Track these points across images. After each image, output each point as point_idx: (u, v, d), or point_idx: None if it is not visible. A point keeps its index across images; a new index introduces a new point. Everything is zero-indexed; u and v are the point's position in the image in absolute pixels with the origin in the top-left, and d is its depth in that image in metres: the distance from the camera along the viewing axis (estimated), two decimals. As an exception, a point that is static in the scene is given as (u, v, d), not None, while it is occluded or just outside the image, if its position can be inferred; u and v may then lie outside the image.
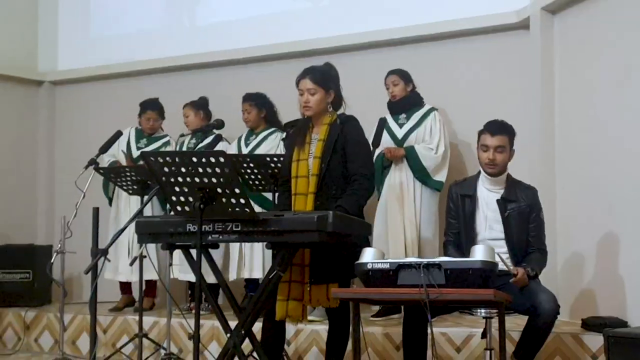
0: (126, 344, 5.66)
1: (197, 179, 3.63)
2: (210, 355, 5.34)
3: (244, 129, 6.41)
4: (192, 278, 6.05)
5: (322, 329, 5.26)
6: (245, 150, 6.20)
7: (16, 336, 6.65)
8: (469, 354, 4.82)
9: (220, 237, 3.82)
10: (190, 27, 7.65)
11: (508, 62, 6.14)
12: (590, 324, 4.69)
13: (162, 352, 5.44)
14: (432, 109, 5.89)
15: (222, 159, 3.56)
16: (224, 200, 3.66)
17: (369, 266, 3.55)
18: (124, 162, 6.58)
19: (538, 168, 5.54)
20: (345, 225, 3.79)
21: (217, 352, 5.08)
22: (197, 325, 3.61)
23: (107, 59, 7.85)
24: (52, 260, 5.58)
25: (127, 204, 6.55)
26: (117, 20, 7.95)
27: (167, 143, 6.76)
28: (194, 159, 3.60)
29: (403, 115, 5.90)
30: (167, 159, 3.66)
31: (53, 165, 8.26)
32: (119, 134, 6.15)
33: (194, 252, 4.04)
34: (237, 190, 3.62)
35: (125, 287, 6.75)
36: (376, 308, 5.67)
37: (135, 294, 6.66)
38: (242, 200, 3.64)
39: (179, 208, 3.80)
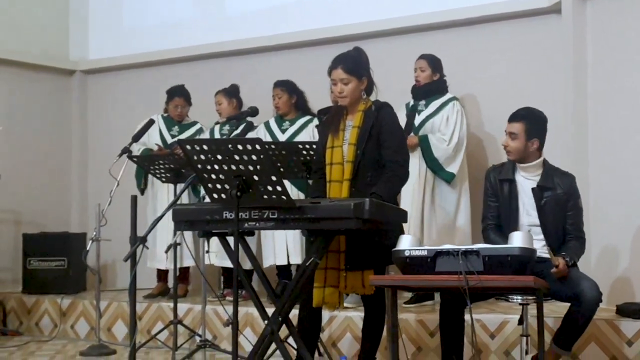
0: (161, 330, 5.69)
1: (233, 167, 3.63)
2: (247, 340, 5.38)
3: (270, 116, 6.43)
4: (228, 264, 6.18)
5: (356, 315, 5.28)
6: (281, 137, 6.23)
7: (52, 323, 6.74)
8: (503, 340, 4.81)
9: (257, 224, 3.82)
10: (219, 16, 7.65)
11: (539, 47, 6.10)
12: (625, 310, 4.67)
13: (197, 338, 5.48)
14: (452, 98, 5.86)
15: (258, 147, 3.57)
16: (260, 187, 3.66)
17: (407, 253, 3.56)
18: (155, 149, 6.62)
19: (571, 154, 5.51)
20: (382, 212, 3.78)
21: (252, 338, 5.17)
22: (236, 312, 3.61)
23: (138, 48, 7.91)
24: (87, 248, 5.65)
25: (161, 192, 6.59)
26: (147, 9, 8.01)
27: (201, 130, 6.80)
28: (231, 147, 3.60)
29: (422, 102, 5.89)
30: (204, 146, 3.67)
31: (86, 154, 8.34)
32: (151, 122, 6.20)
33: (230, 239, 4.11)
34: (273, 178, 3.62)
35: (161, 274, 6.80)
36: (409, 295, 5.68)
37: (170, 281, 6.73)
38: (279, 188, 3.65)
39: (215, 195, 3.81)
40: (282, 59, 7.21)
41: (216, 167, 3.69)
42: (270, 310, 4.00)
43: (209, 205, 3.95)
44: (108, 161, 7.40)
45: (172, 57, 7.76)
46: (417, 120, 5.84)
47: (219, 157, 3.65)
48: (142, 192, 6.75)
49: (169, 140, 6.68)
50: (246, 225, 3.84)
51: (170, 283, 6.70)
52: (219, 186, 3.76)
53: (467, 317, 3.92)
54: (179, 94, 6.78)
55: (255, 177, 3.64)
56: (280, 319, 3.95)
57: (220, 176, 3.71)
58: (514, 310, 4.89)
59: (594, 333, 4.54)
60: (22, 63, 7.88)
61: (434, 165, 5.74)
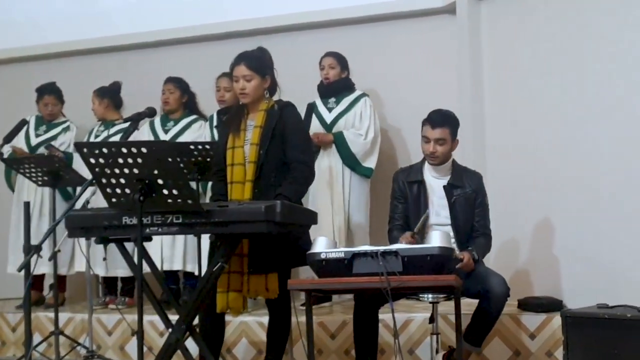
0: (41, 342, 5.34)
1: (136, 170, 3.43)
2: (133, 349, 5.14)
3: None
4: (121, 273, 5.98)
5: (252, 320, 5.15)
6: (164, 137, 5.96)
7: None
8: (407, 338, 4.79)
9: (160, 229, 3.66)
10: (93, 10, 7.27)
11: (436, 46, 6.13)
12: (527, 304, 4.74)
13: (83, 350, 5.18)
14: (363, 95, 5.83)
15: (164, 149, 3.37)
16: (165, 191, 3.47)
17: (323, 255, 3.46)
18: (26, 150, 6.24)
19: (469, 153, 5.56)
20: (293, 214, 3.68)
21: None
22: (141, 321, 3.38)
23: (6, 42, 7.43)
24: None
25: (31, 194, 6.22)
26: (14, 2, 7.55)
27: (67, 128, 6.46)
28: (134, 149, 3.40)
29: (332, 100, 5.82)
30: (103, 149, 3.45)
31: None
32: (23, 123, 5.93)
33: (129, 245, 3.92)
34: (180, 181, 3.44)
35: (34, 282, 6.39)
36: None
37: (44, 289, 6.37)
38: (185, 192, 3.47)
39: (114, 200, 3.59)
40: (164, 55, 6.97)
41: (116, 170, 3.48)
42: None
43: (106, 211, 3.72)
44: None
45: (42, 53, 7.36)
46: (329, 117, 5.77)
47: (120, 160, 3.43)
48: (13, 189, 6.37)
49: (33, 140, 6.33)
50: (148, 230, 3.64)
51: (44, 291, 6.37)
52: (118, 190, 3.56)
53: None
54: (48, 91, 6.42)
55: (160, 181, 3.45)
56: (184, 326, 3.78)
57: (121, 180, 3.51)
58: (416, 309, 4.90)
59: (498, 328, 4.57)
60: None
61: (351, 161, 5.66)
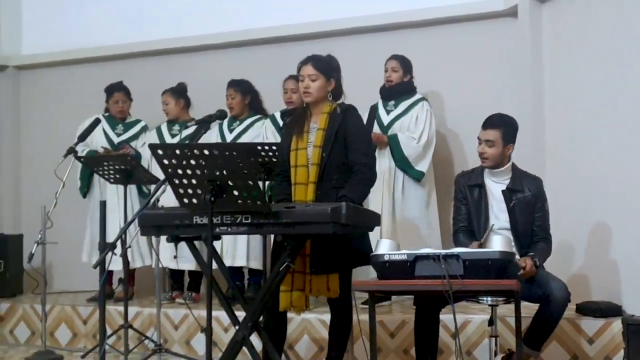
0: (111, 335, 5.51)
1: (207, 171, 3.56)
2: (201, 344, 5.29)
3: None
4: (190, 267, 6.14)
5: (314, 317, 5.26)
6: (229, 138, 6.12)
7: (-11, 328, 6.51)
8: (465, 339, 4.85)
9: (229, 229, 3.78)
10: (163, 12, 7.43)
11: (497, 49, 6.18)
12: (586, 309, 4.76)
13: (151, 343, 5.35)
14: (421, 99, 5.90)
15: (235, 152, 3.50)
16: (235, 192, 3.60)
17: (386, 257, 3.55)
18: (99, 150, 6.44)
19: (528, 155, 5.58)
20: (357, 216, 3.78)
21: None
22: (210, 318, 3.52)
23: (74, 44, 7.66)
24: (32, 251, 5.41)
25: (104, 192, 6.44)
26: (84, 4, 7.77)
27: (145, 128, 6.66)
28: (206, 151, 3.53)
29: (392, 102, 5.91)
30: (176, 151, 3.59)
31: (18, 152, 8.05)
32: (97, 121, 6.09)
33: (198, 243, 4.07)
34: (250, 182, 3.57)
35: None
36: (365, 295, 5.67)
37: (113, 283, 6.58)
38: (255, 193, 3.59)
39: (186, 200, 3.73)
40: (233, 57, 7.10)
41: (188, 171, 3.60)
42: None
43: (178, 210, 3.87)
44: (41, 159, 7.33)
45: (108, 54, 7.57)
46: (386, 120, 5.86)
47: (192, 161, 3.56)
48: (84, 195, 6.57)
49: (115, 139, 6.52)
50: (218, 230, 3.78)
51: (113, 285, 6.58)
52: (190, 191, 3.68)
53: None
54: (117, 88, 6.62)
55: (230, 182, 3.57)
56: (250, 324, 3.91)
57: (193, 181, 3.63)
58: (474, 310, 4.95)
59: (556, 332, 4.58)
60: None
61: (403, 163, 5.76)
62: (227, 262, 5.97)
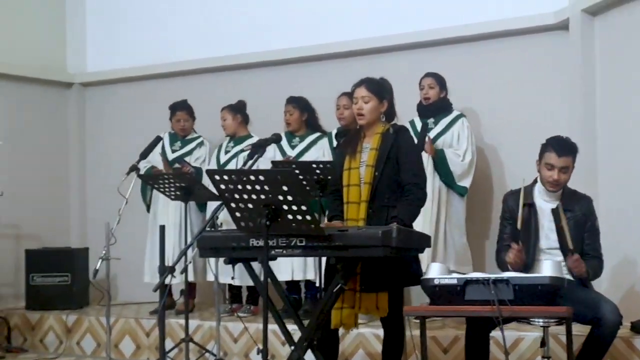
0: (172, 349, 5.68)
1: (262, 196, 3.66)
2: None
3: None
4: (248, 282, 6.22)
5: (368, 332, 5.34)
6: (291, 153, 6.27)
7: (58, 340, 6.73)
8: (517, 357, 4.88)
9: (284, 251, 3.88)
10: (225, 29, 7.59)
11: (547, 63, 6.16)
12: (640, 328, 4.75)
13: (210, 357, 5.50)
14: (460, 115, 5.96)
15: (289, 177, 3.61)
16: (289, 216, 3.70)
17: (436, 282, 3.62)
18: (160, 166, 6.62)
19: (580, 170, 5.56)
20: (408, 239, 3.85)
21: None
22: (265, 339, 3.64)
23: (137, 60, 7.88)
24: (97, 267, 5.60)
25: (165, 208, 6.61)
26: (147, 22, 7.99)
27: (202, 143, 6.83)
28: (261, 177, 3.64)
29: (431, 120, 5.97)
30: (232, 176, 3.71)
31: (84, 168, 8.32)
32: (158, 139, 6.25)
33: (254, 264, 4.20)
34: (304, 208, 3.67)
35: (167, 289, 6.78)
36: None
37: (174, 295, 6.73)
38: (308, 217, 3.69)
39: (242, 224, 3.84)
40: (287, 74, 7.23)
41: (245, 196, 3.71)
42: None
43: (234, 232, 3.99)
44: (106, 174, 7.55)
45: (172, 71, 7.76)
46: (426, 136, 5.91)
47: (248, 186, 3.67)
48: (148, 208, 6.76)
49: (170, 155, 6.71)
50: (273, 252, 3.88)
51: (174, 297, 6.74)
52: (246, 215, 3.79)
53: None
54: (180, 107, 6.81)
55: (285, 207, 3.67)
56: (305, 344, 4.01)
57: (249, 205, 3.74)
58: (525, 328, 4.94)
59: (610, 351, 4.60)
60: (20, 77, 7.83)
61: (448, 178, 5.82)
62: (284, 277, 6.11)
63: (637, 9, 5.34)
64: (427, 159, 5.81)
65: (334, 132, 6.20)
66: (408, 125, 5.89)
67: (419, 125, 5.99)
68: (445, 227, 5.83)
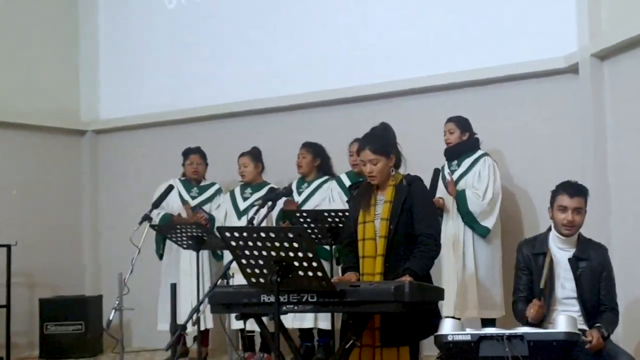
0: (184, 398, 5.67)
1: (273, 253, 3.64)
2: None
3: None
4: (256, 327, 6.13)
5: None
6: (298, 199, 6.27)
7: (73, 387, 6.71)
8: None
9: (295, 307, 3.84)
10: (234, 75, 7.64)
11: (557, 106, 6.16)
12: (658, 375, 4.66)
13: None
14: (483, 154, 5.93)
15: (300, 234, 3.59)
16: (300, 273, 3.67)
17: (450, 338, 3.56)
18: (176, 213, 6.62)
19: (592, 214, 5.52)
20: (421, 293, 3.80)
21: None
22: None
23: (149, 107, 7.94)
24: (110, 318, 5.58)
25: (184, 257, 6.58)
26: (157, 69, 8.06)
27: (219, 191, 6.84)
28: (272, 234, 3.63)
29: (455, 162, 5.97)
30: (244, 233, 3.70)
31: (97, 215, 8.34)
32: (170, 188, 6.23)
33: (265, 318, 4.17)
34: (314, 264, 3.64)
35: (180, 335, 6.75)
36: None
37: (188, 342, 6.71)
38: (320, 273, 3.66)
39: (253, 280, 3.82)
40: (300, 118, 7.27)
41: (255, 252, 3.69)
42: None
43: (246, 288, 3.97)
44: (120, 222, 7.56)
45: (184, 117, 7.81)
46: (439, 180, 5.92)
47: (259, 243, 3.66)
48: (161, 257, 6.75)
49: (191, 202, 6.70)
50: (285, 308, 3.85)
51: (188, 344, 6.71)
52: (257, 271, 3.77)
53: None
54: (194, 151, 6.83)
55: (296, 263, 3.65)
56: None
57: (260, 261, 3.72)
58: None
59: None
60: (34, 126, 7.90)
61: (468, 219, 5.78)
62: (296, 324, 6.08)
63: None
64: (452, 202, 5.84)
65: (342, 176, 6.20)
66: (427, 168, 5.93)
67: (445, 169, 6.00)
68: (471, 270, 5.77)
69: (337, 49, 7.13)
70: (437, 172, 5.90)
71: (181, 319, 6.27)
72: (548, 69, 6.15)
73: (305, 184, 6.35)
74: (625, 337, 5.15)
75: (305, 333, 6.26)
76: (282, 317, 5.81)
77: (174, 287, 4.71)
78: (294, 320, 6.04)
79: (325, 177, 6.35)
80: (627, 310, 5.16)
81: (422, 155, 6.03)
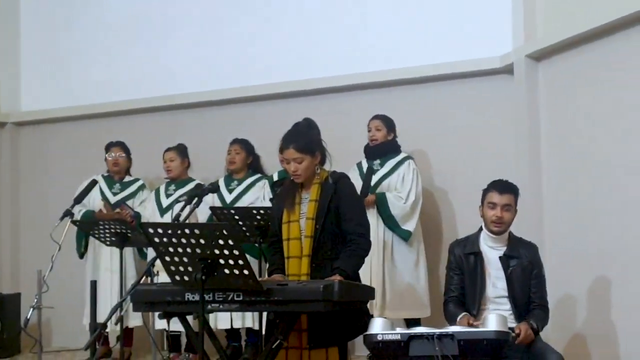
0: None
1: (198, 250, 3.53)
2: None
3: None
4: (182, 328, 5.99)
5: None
6: (228, 197, 6.12)
7: (-13, 389, 6.44)
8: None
9: (221, 306, 3.73)
10: (160, 69, 7.43)
11: (491, 106, 6.16)
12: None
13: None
14: (407, 157, 5.90)
15: (226, 231, 3.47)
16: (226, 270, 3.57)
17: (379, 337, 3.50)
18: (97, 210, 6.40)
19: (526, 214, 5.52)
20: (350, 292, 3.73)
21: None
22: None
23: (73, 100, 7.67)
24: (28, 316, 5.37)
25: (105, 255, 6.36)
26: (81, 61, 7.80)
27: (143, 187, 6.64)
28: (196, 231, 3.50)
29: (377, 162, 5.91)
30: (168, 230, 3.56)
31: (17, 211, 8.02)
32: (94, 183, 6.07)
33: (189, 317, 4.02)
34: (240, 262, 3.53)
35: (103, 336, 6.54)
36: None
37: (111, 342, 6.51)
38: (246, 272, 3.55)
39: (177, 278, 3.69)
40: (227, 114, 7.10)
41: (179, 249, 3.57)
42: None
43: (169, 286, 3.83)
44: (41, 218, 7.31)
45: (108, 111, 7.57)
46: (373, 179, 5.82)
47: (183, 240, 3.53)
48: (82, 256, 6.52)
49: (111, 198, 6.49)
50: (210, 307, 3.73)
51: (111, 344, 6.51)
52: (181, 268, 3.65)
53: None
54: (115, 144, 6.61)
55: (221, 261, 3.54)
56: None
57: (184, 259, 3.60)
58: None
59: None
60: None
61: (390, 222, 5.72)
62: (223, 325, 5.95)
63: (579, 56, 5.38)
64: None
65: (275, 175, 6.08)
66: (355, 168, 5.87)
67: (365, 167, 5.93)
68: (392, 271, 5.72)
69: (264, 44, 7.04)
70: (370, 171, 5.83)
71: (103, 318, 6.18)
72: (483, 69, 6.14)
73: (236, 182, 6.20)
74: (556, 336, 5.17)
75: (232, 333, 6.12)
76: (214, 317, 5.82)
77: (93, 284, 4.53)
78: (221, 321, 5.90)
79: (258, 176, 6.21)
80: (559, 310, 5.22)
81: (355, 152, 6.01)
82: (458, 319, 4.02)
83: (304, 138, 4.15)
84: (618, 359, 4.88)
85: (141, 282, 4.03)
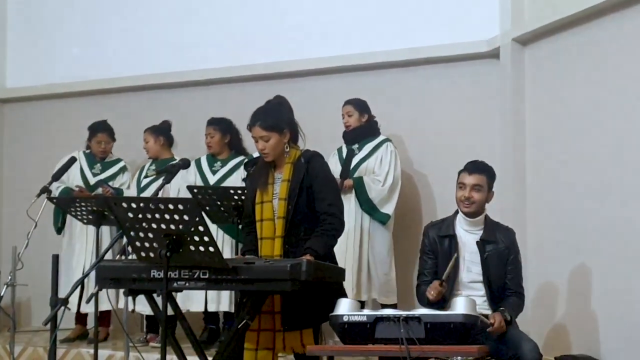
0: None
1: (163, 226, 3.46)
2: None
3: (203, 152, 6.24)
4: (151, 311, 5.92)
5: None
6: (211, 178, 6.03)
7: (-38, 368, 6.36)
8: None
9: (187, 284, 3.67)
10: (148, 47, 7.33)
11: (477, 90, 6.09)
12: (563, 363, 4.63)
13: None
14: (385, 140, 5.83)
15: (190, 206, 3.40)
16: (191, 247, 3.50)
17: (345, 319, 3.42)
18: (76, 188, 6.32)
19: (509, 199, 5.47)
20: (319, 272, 3.64)
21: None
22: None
23: (58, 77, 7.59)
24: (1, 293, 5.29)
25: (82, 232, 6.29)
26: (70, 37, 7.69)
27: (124, 168, 6.55)
28: (161, 206, 3.43)
29: (355, 146, 5.84)
30: (132, 204, 3.48)
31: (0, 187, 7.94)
32: (72, 160, 5.94)
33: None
34: (206, 239, 3.45)
35: (80, 317, 6.47)
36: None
37: (89, 323, 6.44)
38: (212, 249, 3.48)
39: (143, 254, 3.62)
40: (214, 94, 7.02)
41: (145, 225, 3.50)
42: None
43: (135, 263, 3.75)
44: (21, 196, 7.20)
45: (96, 88, 7.46)
46: (351, 163, 5.77)
47: (149, 215, 3.46)
48: (59, 231, 6.44)
49: (91, 179, 6.40)
50: (175, 284, 3.67)
51: (89, 325, 6.44)
52: (147, 245, 3.58)
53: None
54: (101, 129, 6.49)
55: (187, 237, 3.47)
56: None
57: (149, 235, 3.53)
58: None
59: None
60: None
61: (368, 206, 5.66)
62: (197, 307, 5.86)
63: (566, 40, 5.33)
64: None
65: (254, 155, 6.00)
66: (335, 152, 5.79)
67: (345, 152, 5.86)
68: (369, 257, 5.67)
69: (250, 24, 6.95)
70: (350, 155, 5.74)
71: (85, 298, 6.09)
72: (469, 53, 6.06)
73: (219, 163, 6.09)
74: (535, 322, 5.13)
75: (210, 315, 6.03)
76: (186, 298, 5.74)
77: (55, 258, 4.44)
78: (195, 303, 5.81)
79: (242, 158, 6.09)
80: (539, 296, 5.16)
81: (336, 136, 5.94)
82: (429, 287, 3.93)
83: (272, 115, 4.05)
84: (598, 347, 4.81)
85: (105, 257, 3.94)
